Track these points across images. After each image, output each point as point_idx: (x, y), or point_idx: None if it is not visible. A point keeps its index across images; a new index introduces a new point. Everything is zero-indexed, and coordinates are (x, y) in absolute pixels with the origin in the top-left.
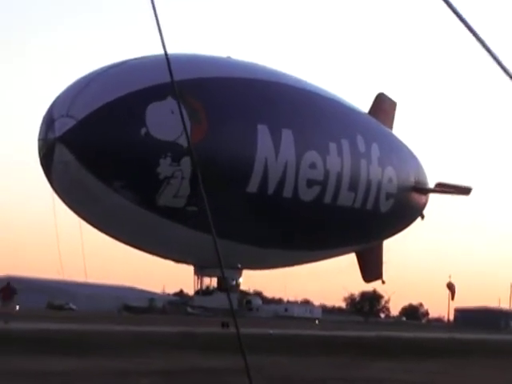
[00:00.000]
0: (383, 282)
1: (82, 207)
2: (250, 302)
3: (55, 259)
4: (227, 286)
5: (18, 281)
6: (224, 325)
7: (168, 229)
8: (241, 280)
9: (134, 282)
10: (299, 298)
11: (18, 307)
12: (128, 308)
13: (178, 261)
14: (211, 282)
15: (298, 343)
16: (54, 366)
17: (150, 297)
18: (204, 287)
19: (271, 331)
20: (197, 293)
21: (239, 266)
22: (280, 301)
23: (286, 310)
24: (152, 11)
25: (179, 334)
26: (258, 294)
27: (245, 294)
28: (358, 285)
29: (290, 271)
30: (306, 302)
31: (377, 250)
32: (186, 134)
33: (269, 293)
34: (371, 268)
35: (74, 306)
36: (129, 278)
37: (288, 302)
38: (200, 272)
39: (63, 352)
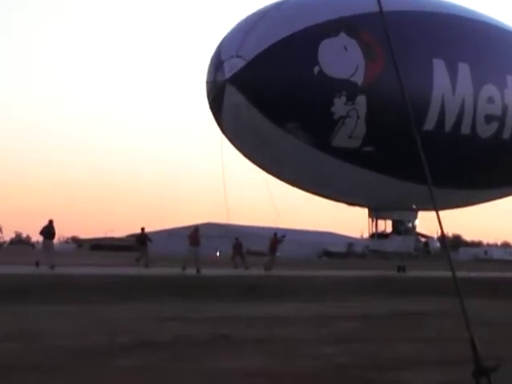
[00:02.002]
0: None
1: (253, 150)
2: (428, 244)
3: (250, 206)
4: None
5: (217, 228)
6: (400, 269)
7: (343, 170)
8: (417, 222)
9: (334, 227)
10: (499, 241)
11: (218, 253)
12: (327, 253)
13: (351, 204)
14: (386, 224)
15: (498, 286)
16: (258, 311)
17: (349, 242)
18: (380, 230)
19: (472, 274)
20: (372, 236)
21: (414, 207)
22: (480, 244)
23: (485, 252)
24: None
25: (378, 278)
26: (457, 238)
27: (422, 236)
28: None
29: (489, 213)
30: (506, 245)
31: None
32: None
33: (468, 236)
34: None
35: None
36: (329, 224)
37: (488, 244)
38: (375, 215)
39: (265, 298)
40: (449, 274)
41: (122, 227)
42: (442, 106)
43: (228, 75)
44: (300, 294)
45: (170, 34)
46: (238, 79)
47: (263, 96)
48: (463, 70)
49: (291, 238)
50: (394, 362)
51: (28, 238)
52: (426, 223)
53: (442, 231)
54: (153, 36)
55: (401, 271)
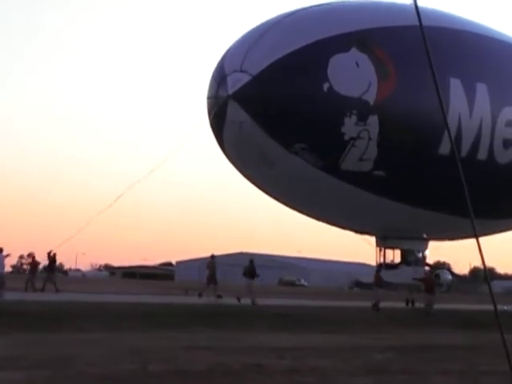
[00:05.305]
0: None
1: (256, 172)
2: (439, 276)
3: (284, 235)
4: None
5: (249, 257)
6: (408, 302)
7: (352, 195)
8: (427, 252)
9: (366, 258)
10: None
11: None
12: (359, 284)
13: (358, 232)
14: (394, 254)
15: None
16: (290, 341)
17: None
18: (388, 260)
19: (505, 307)
20: (379, 266)
21: (425, 236)
22: None
23: None
24: None
25: (409, 309)
26: (491, 270)
27: (433, 267)
28: None
29: None
30: None
31: None
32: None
33: (501, 269)
34: None
35: (305, 283)
36: (360, 255)
37: None
38: (383, 244)
39: (296, 328)
40: (479, 307)
41: (154, 256)
42: (459, 128)
43: (231, 91)
44: (331, 324)
45: (171, 47)
46: (241, 95)
47: (268, 114)
48: (481, 90)
49: (322, 268)
50: None
51: (61, 265)
52: (438, 254)
53: (483, 261)
54: (153, 48)
55: (409, 304)
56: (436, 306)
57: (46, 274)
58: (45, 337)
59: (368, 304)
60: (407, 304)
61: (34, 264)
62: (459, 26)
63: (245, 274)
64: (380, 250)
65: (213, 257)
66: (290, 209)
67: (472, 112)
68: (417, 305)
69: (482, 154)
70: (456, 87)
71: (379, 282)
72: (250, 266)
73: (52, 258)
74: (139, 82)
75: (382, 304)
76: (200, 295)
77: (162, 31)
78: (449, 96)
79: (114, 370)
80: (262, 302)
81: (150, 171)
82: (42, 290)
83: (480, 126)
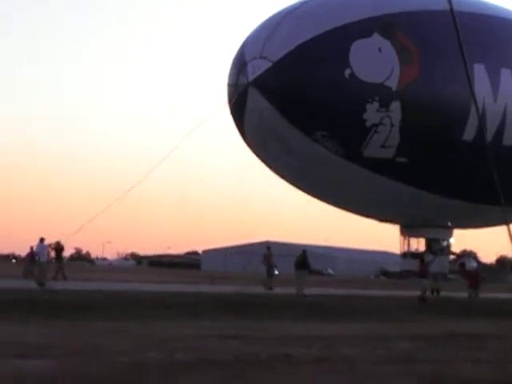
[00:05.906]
0: None
1: (276, 160)
2: (464, 264)
3: (312, 224)
4: None
5: (276, 246)
6: (433, 291)
7: (375, 183)
8: (452, 240)
9: (391, 246)
10: None
11: (276, 272)
12: (385, 273)
13: (382, 220)
14: (418, 242)
15: None
16: (317, 330)
17: None
18: (413, 249)
19: None
20: (404, 255)
21: (449, 224)
22: None
23: None
24: None
25: (436, 298)
26: None
27: (458, 255)
28: None
29: None
30: None
31: None
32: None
33: None
34: None
35: (331, 271)
36: (388, 243)
37: None
38: (407, 232)
39: (323, 317)
40: (506, 295)
41: (179, 245)
42: (483, 113)
43: (251, 78)
44: (360, 313)
45: (191, 35)
46: (261, 82)
47: (289, 101)
48: (506, 76)
49: (347, 257)
50: (455, 383)
51: (88, 254)
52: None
53: None
54: (170, 37)
55: (434, 293)
56: (461, 295)
57: (56, 263)
58: (74, 325)
59: (396, 293)
60: (432, 293)
61: (31, 254)
62: (484, 10)
63: (296, 265)
64: (404, 239)
65: (269, 248)
66: (312, 197)
67: (496, 97)
68: (442, 294)
69: (508, 140)
70: (480, 73)
71: (423, 273)
72: (303, 256)
73: (57, 248)
74: (156, 73)
75: (412, 293)
76: (270, 288)
77: (180, 20)
78: (473, 81)
79: (143, 360)
80: (290, 291)
81: (162, 159)
82: (65, 278)
83: (505, 111)
